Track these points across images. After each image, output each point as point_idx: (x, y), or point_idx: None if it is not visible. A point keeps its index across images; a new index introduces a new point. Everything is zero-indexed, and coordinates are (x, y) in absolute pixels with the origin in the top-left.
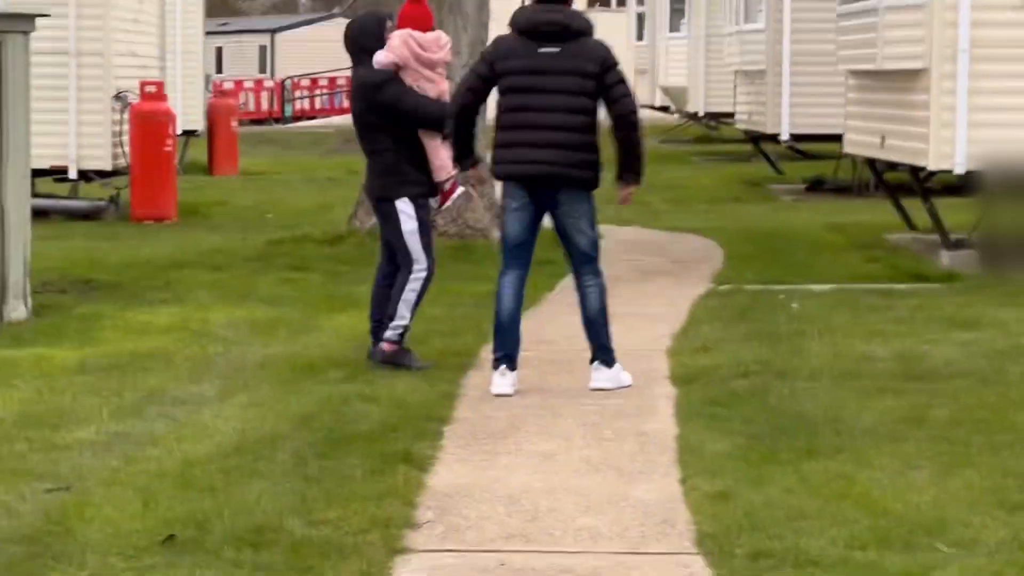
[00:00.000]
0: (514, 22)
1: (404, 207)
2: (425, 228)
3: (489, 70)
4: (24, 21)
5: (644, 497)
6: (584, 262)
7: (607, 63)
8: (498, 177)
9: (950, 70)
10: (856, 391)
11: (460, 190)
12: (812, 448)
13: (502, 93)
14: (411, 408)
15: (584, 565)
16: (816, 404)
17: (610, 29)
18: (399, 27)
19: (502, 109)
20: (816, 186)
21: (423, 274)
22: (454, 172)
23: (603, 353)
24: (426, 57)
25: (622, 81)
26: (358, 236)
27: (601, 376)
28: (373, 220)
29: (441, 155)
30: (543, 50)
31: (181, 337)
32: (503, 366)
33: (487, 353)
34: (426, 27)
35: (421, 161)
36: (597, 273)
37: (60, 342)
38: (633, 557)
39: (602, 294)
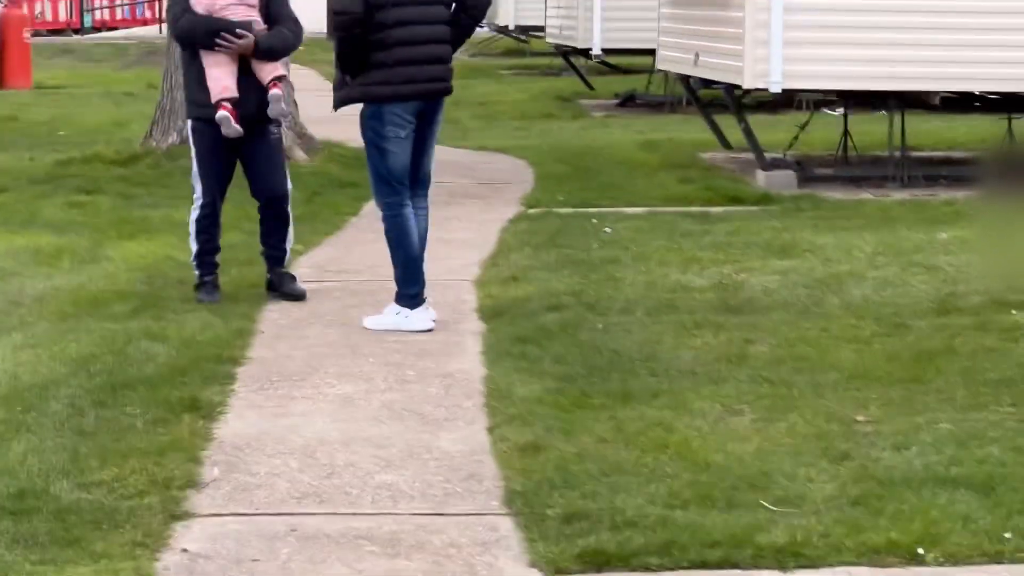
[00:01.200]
0: None
1: (189, 128)
2: (207, 153)
3: None
4: None
5: (449, 448)
6: (425, 184)
7: None
8: (386, 99)
9: None
10: (672, 326)
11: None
12: (627, 392)
13: (380, 7)
14: (202, 347)
15: (382, 529)
16: (631, 340)
17: None
18: None
19: (384, 25)
20: (628, 101)
21: (197, 203)
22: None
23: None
24: None
25: None
26: (154, 156)
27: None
28: (170, 139)
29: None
30: None
31: None
32: (425, 301)
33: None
34: None
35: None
36: (427, 197)
37: None
38: (437, 519)
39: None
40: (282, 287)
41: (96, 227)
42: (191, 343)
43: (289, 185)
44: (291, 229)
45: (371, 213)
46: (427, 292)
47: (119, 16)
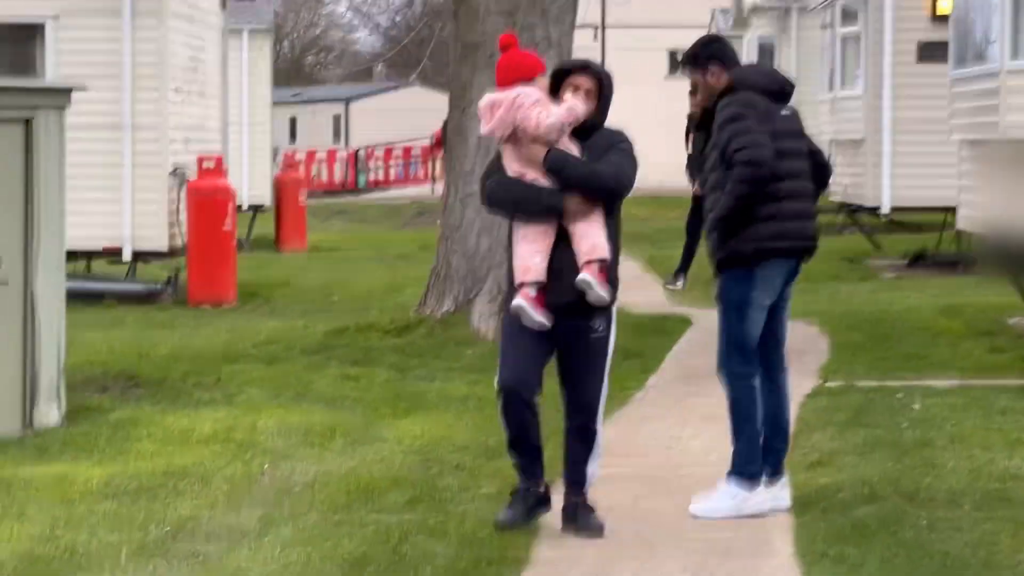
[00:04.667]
0: (751, 81)
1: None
2: (508, 337)
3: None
4: (57, 95)
5: None
6: (784, 351)
7: None
8: (778, 254)
9: None
10: (1008, 523)
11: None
12: None
13: (780, 156)
14: (483, 546)
15: None
16: (961, 541)
17: None
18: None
19: (778, 176)
20: (918, 261)
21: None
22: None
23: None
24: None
25: None
26: (429, 324)
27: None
28: (445, 307)
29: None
30: (783, 112)
31: (224, 450)
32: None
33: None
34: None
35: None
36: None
37: (88, 455)
38: None
39: None
40: (577, 520)
41: (369, 402)
42: (472, 541)
43: (602, 398)
44: (598, 448)
45: (658, 387)
46: (722, 475)
47: (392, 176)
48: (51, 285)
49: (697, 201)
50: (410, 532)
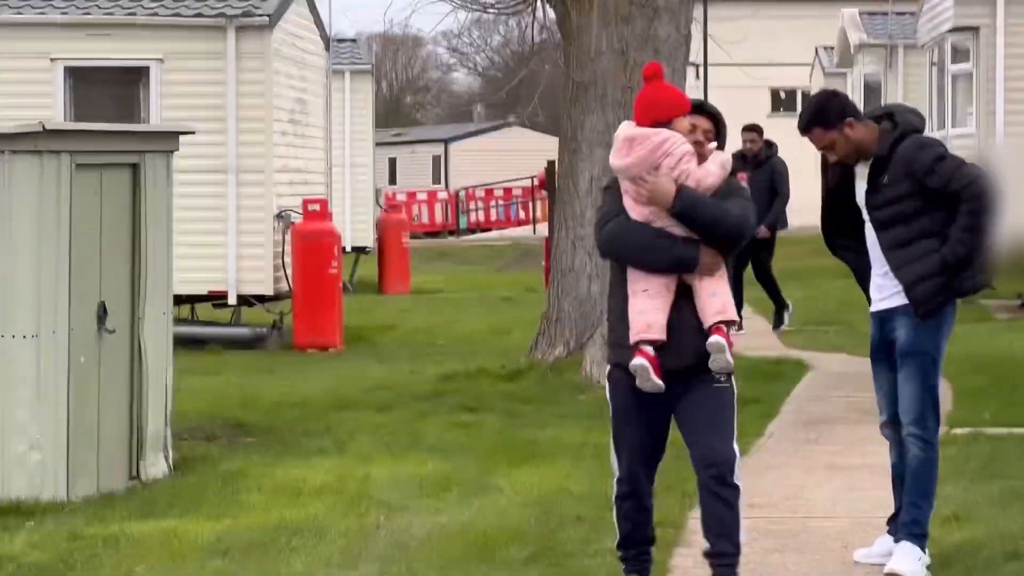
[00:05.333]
0: (915, 124)
1: (606, 374)
2: (623, 413)
3: None
4: (165, 139)
5: None
6: None
7: None
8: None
9: None
10: None
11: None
12: None
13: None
14: None
15: None
16: None
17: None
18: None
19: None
20: None
21: (614, 479)
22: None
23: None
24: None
25: None
26: (540, 370)
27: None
28: (556, 352)
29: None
30: None
31: (336, 502)
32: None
33: (694, 523)
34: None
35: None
36: None
37: (197, 509)
38: None
39: None
40: None
41: (482, 451)
42: None
43: (736, 454)
44: (739, 517)
45: (778, 434)
46: (851, 529)
47: (493, 217)
48: (158, 333)
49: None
50: None
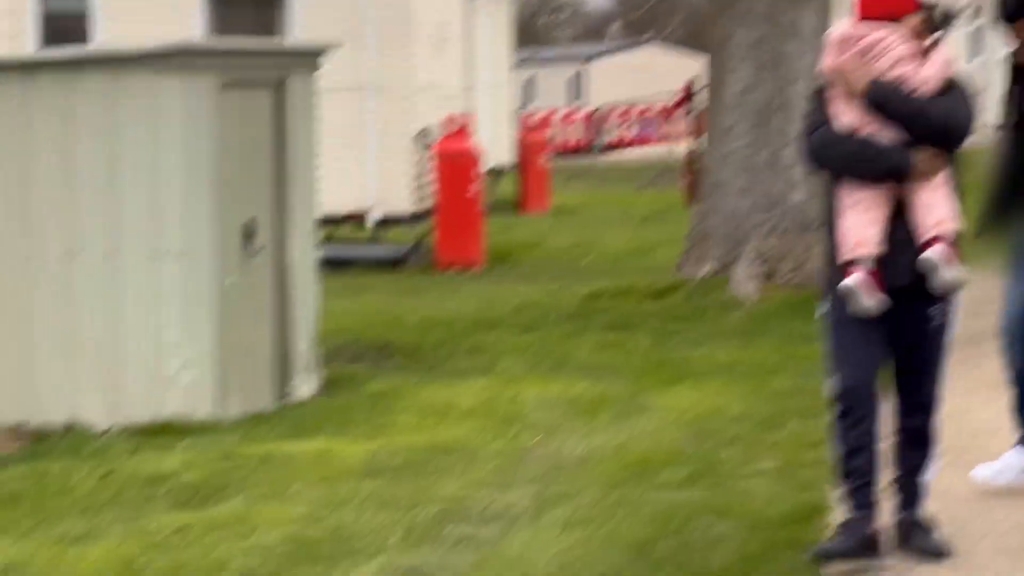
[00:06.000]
0: None
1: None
2: (840, 327)
3: None
4: (308, 58)
5: None
6: None
7: None
8: None
9: None
10: None
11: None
12: None
13: None
14: (773, 528)
15: None
16: None
17: None
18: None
19: None
20: None
21: (832, 397)
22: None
23: None
24: None
25: None
26: (688, 287)
27: None
28: (705, 268)
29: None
30: None
31: (487, 424)
32: None
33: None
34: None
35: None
36: None
37: (347, 431)
38: None
39: None
40: (911, 540)
41: (633, 371)
42: (759, 522)
43: (937, 395)
44: (934, 455)
45: None
46: None
47: (630, 136)
48: (304, 253)
49: None
50: (693, 513)
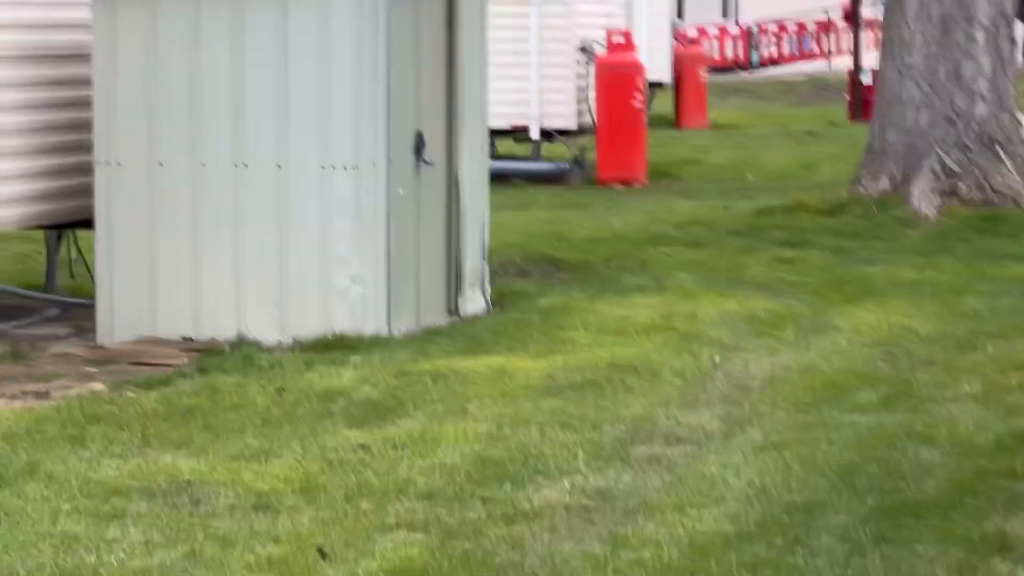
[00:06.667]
0: None
1: None
2: None
3: None
4: None
5: None
6: None
7: None
8: None
9: None
10: None
11: None
12: None
13: None
14: (983, 456)
15: None
16: None
17: None
18: None
19: None
20: None
21: None
22: None
23: None
24: None
25: None
26: (863, 204)
27: None
28: (881, 185)
29: None
30: None
31: (666, 340)
32: None
33: None
34: None
35: None
36: None
37: (523, 347)
38: None
39: None
40: None
41: (811, 288)
42: (969, 448)
43: None
44: None
45: None
46: None
47: (786, 52)
48: (475, 167)
49: None
50: (895, 437)
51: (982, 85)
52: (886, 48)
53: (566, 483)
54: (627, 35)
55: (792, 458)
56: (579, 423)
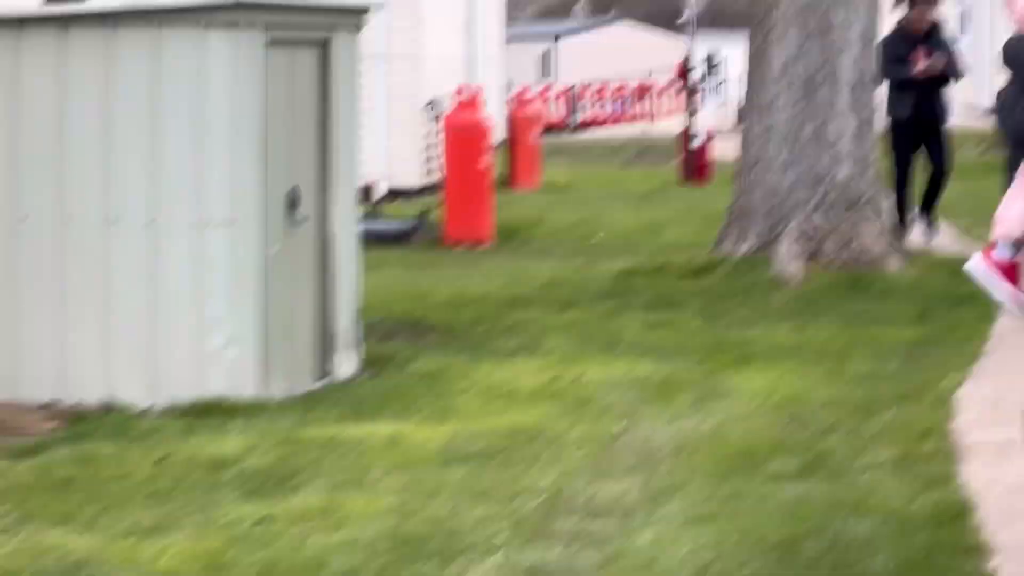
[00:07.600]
0: None
1: None
2: None
3: None
4: (355, 15)
5: None
6: None
7: None
8: None
9: None
10: None
11: None
12: None
13: None
14: (921, 527)
15: None
16: None
17: None
18: None
19: None
20: None
21: None
22: None
23: None
24: None
25: None
26: (727, 266)
27: None
28: (746, 246)
29: None
30: None
31: (560, 407)
32: None
33: (968, 430)
34: None
35: None
36: None
37: (410, 413)
38: None
39: None
40: None
41: (694, 352)
42: (905, 522)
43: None
44: None
45: (1005, 335)
46: None
47: (606, 114)
48: (348, 223)
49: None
50: (827, 509)
51: (846, 145)
52: (749, 108)
53: (493, 561)
54: (475, 94)
55: (726, 532)
56: (491, 495)
